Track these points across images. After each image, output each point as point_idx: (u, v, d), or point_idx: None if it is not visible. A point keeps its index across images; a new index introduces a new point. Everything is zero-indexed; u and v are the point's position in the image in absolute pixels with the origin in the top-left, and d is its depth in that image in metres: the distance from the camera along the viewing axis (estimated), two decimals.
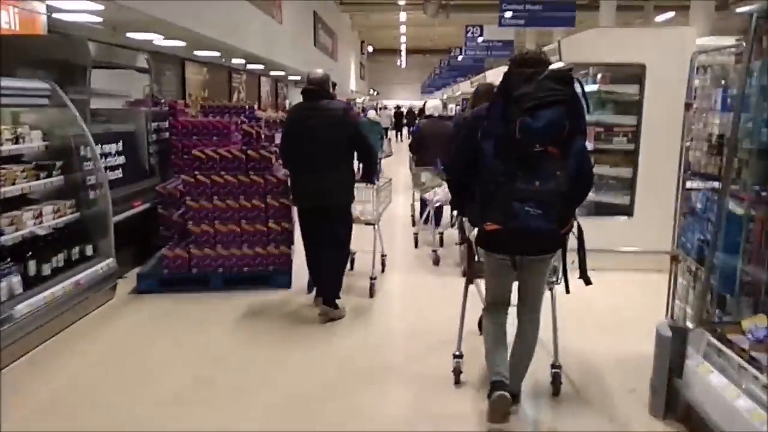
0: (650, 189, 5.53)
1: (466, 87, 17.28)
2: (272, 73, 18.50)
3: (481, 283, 3.22)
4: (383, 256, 5.21)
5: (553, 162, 2.57)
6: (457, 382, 3.35)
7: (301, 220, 4.43)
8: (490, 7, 18.70)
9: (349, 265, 4.97)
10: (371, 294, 4.81)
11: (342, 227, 4.36)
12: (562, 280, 2.92)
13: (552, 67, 2.68)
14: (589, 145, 5.69)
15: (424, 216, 6.50)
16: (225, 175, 4.80)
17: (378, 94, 43.08)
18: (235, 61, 13.86)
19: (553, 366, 3.21)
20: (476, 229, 2.82)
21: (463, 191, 2.93)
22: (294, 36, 16.38)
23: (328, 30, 22.47)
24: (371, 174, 4.63)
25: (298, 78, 21.29)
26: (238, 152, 4.84)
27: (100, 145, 4.93)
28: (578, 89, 2.65)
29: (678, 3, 17.27)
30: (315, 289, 4.55)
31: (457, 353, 3.35)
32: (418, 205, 7.02)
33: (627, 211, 5.65)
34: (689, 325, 2.99)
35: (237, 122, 5.90)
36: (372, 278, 4.84)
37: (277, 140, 8.27)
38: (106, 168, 4.98)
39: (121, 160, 5.36)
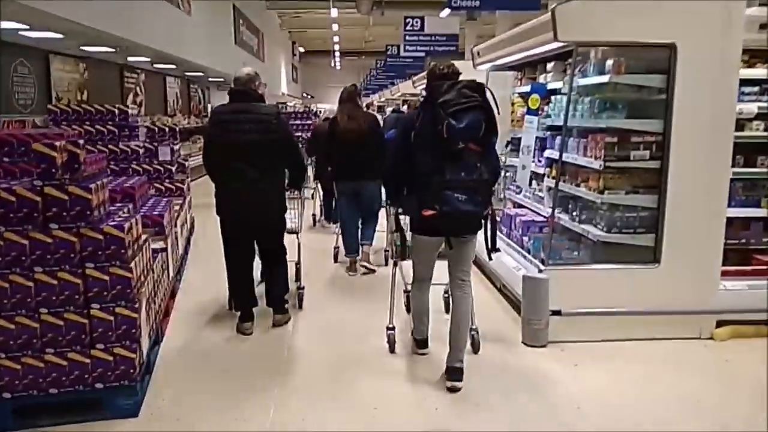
0: (684, 224, 3.86)
1: (407, 87, 15.46)
2: (188, 74, 16.17)
3: (405, 265, 3.67)
4: (297, 264, 4.88)
5: (474, 156, 3.06)
6: (392, 351, 3.72)
7: (230, 235, 4.09)
8: (428, 4, 17.09)
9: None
10: (300, 305, 4.59)
11: (280, 237, 4.23)
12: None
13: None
14: (596, 163, 3.98)
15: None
16: (5, 233, 2.75)
17: (312, 97, 40.79)
18: (139, 59, 11.53)
19: (470, 329, 3.56)
20: (409, 218, 3.39)
21: (399, 186, 3.39)
22: (209, 31, 14.21)
23: (252, 27, 20.33)
24: (300, 183, 4.45)
25: (221, 80, 19.10)
26: (26, 192, 2.77)
27: None
28: (489, 95, 3.13)
29: None
30: (240, 310, 4.13)
31: (390, 326, 3.80)
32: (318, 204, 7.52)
33: (651, 256, 3.95)
34: None
35: (63, 134, 3.76)
36: (300, 288, 4.68)
37: (162, 156, 6.47)
38: None
39: None
